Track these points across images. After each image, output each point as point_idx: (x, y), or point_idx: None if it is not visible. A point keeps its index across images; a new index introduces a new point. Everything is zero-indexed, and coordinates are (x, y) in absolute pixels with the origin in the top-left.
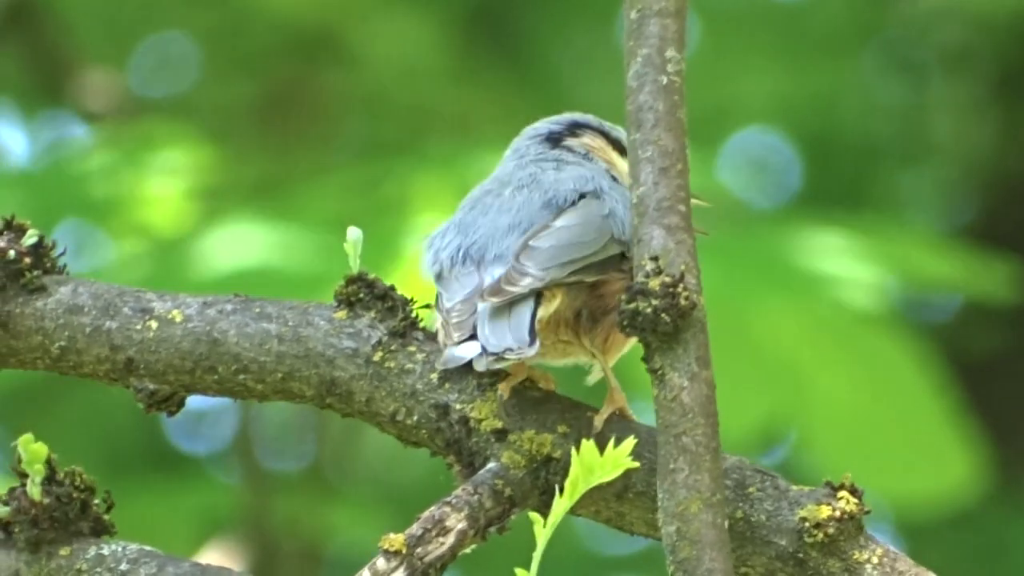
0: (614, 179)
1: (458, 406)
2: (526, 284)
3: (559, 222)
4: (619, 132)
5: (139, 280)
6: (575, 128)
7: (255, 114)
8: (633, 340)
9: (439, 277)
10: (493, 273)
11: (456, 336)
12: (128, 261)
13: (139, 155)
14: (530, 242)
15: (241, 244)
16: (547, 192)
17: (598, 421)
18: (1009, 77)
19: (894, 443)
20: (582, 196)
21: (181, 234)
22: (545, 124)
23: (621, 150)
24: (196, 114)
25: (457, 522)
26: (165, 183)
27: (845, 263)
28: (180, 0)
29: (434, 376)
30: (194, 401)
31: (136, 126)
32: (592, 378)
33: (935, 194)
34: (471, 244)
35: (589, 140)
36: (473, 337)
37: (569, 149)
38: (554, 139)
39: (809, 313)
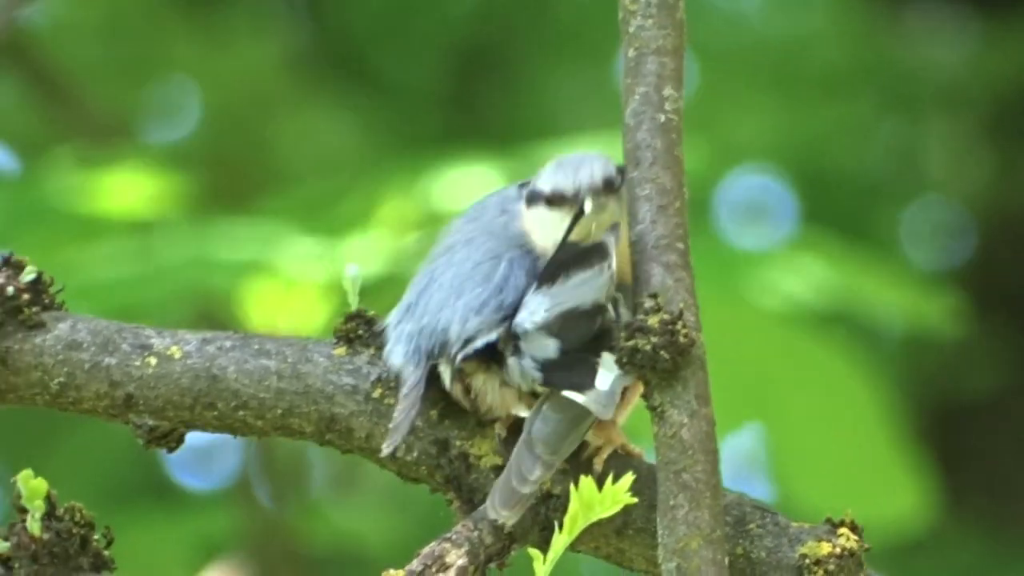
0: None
1: (458, 442)
2: (535, 478)
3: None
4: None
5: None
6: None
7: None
8: (636, 399)
9: (398, 375)
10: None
11: (385, 445)
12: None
13: (98, 173)
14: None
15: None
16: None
17: (598, 463)
18: (1003, 116)
19: (847, 469)
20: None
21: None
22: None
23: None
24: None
25: (457, 558)
26: (123, 202)
27: (809, 288)
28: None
29: (433, 412)
30: (194, 438)
31: (96, 148)
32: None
33: (932, 232)
34: (419, 334)
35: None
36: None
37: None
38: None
39: (770, 334)
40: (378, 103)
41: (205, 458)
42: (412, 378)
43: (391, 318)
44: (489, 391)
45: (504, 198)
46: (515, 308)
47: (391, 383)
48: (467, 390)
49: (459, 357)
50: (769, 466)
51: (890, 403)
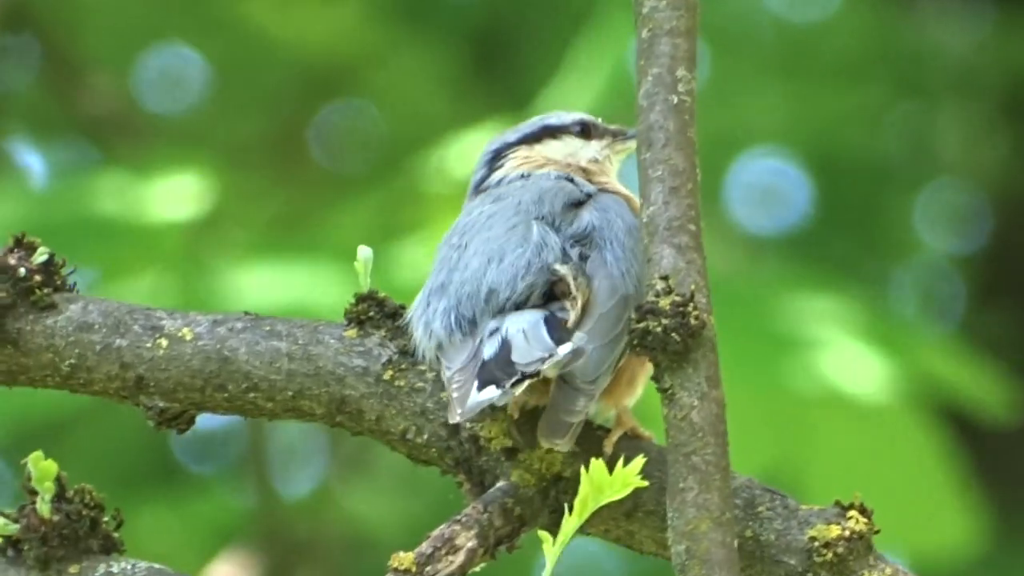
0: (570, 181)
1: (468, 425)
2: (581, 407)
3: (592, 311)
4: (567, 117)
5: None
6: (497, 157)
7: (265, 148)
8: (646, 379)
9: (440, 348)
10: (490, 342)
11: (458, 411)
12: (142, 294)
13: (149, 178)
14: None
15: (262, 281)
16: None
17: (608, 446)
18: (1017, 99)
19: (893, 505)
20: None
21: (199, 266)
22: (476, 167)
23: (577, 133)
24: (204, 139)
25: (467, 540)
26: (175, 208)
27: (848, 347)
28: (189, 20)
29: (444, 395)
30: (205, 420)
31: (147, 149)
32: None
33: (947, 217)
34: (459, 306)
35: (512, 163)
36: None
37: (499, 183)
38: (482, 182)
39: (806, 387)
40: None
41: (214, 443)
42: (465, 350)
43: (413, 310)
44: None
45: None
46: (555, 262)
47: (402, 365)
48: None
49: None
50: (812, 494)
51: (944, 440)
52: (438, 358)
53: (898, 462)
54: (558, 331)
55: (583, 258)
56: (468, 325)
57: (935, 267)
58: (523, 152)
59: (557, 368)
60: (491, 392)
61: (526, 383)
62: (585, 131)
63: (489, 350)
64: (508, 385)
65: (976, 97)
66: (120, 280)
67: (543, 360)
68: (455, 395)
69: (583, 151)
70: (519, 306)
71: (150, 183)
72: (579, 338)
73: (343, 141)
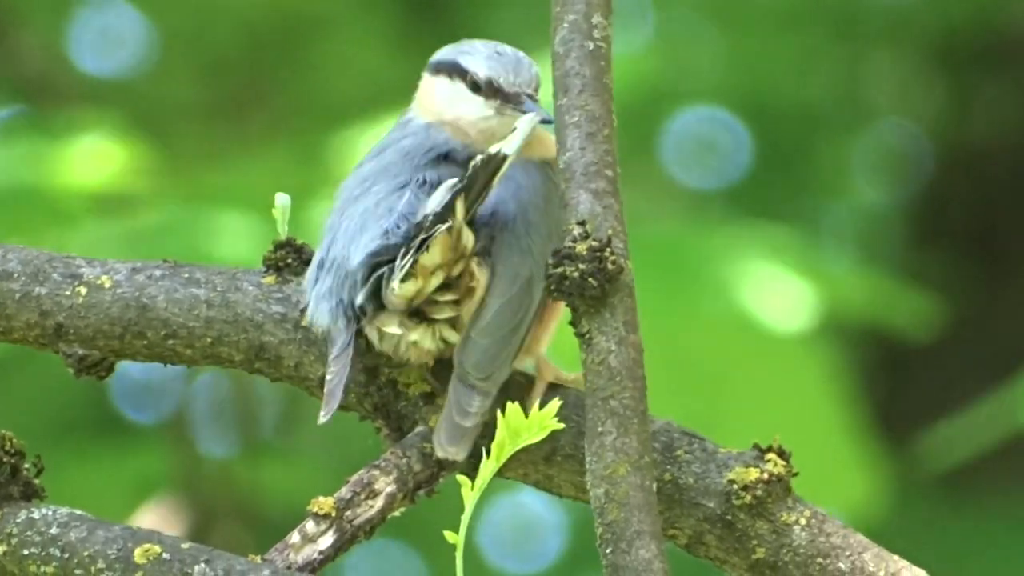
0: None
1: (386, 370)
2: (476, 408)
3: (491, 301)
4: (476, 63)
5: None
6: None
7: (207, 114)
8: (559, 318)
9: (327, 333)
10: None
11: (323, 412)
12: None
13: (63, 139)
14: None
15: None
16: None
17: (530, 404)
18: (954, 43)
19: (799, 458)
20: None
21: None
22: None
23: (471, 85)
24: (143, 103)
25: (386, 485)
26: (88, 169)
27: (766, 274)
28: None
29: (362, 341)
30: (141, 369)
31: (70, 111)
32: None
33: (879, 164)
34: (338, 288)
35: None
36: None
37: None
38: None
39: (723, 319)
40: None
41: (151, 393)
42: (341, 339)
43: (307, 281)
44: (402, 346)
45: (401, 125)
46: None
47: None
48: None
49: (360, 297)
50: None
51: (841, 381)
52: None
53: (805, 409)
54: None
55: (485, 250)
56: (349, 309)
57: (871, 212)
58: (425, 86)
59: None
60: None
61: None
62: (478, 87)
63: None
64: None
65: (911, 41)
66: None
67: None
68: (326, 389)
69: (469, 109)
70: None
71: (62, 145)
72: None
73: (286, 106)
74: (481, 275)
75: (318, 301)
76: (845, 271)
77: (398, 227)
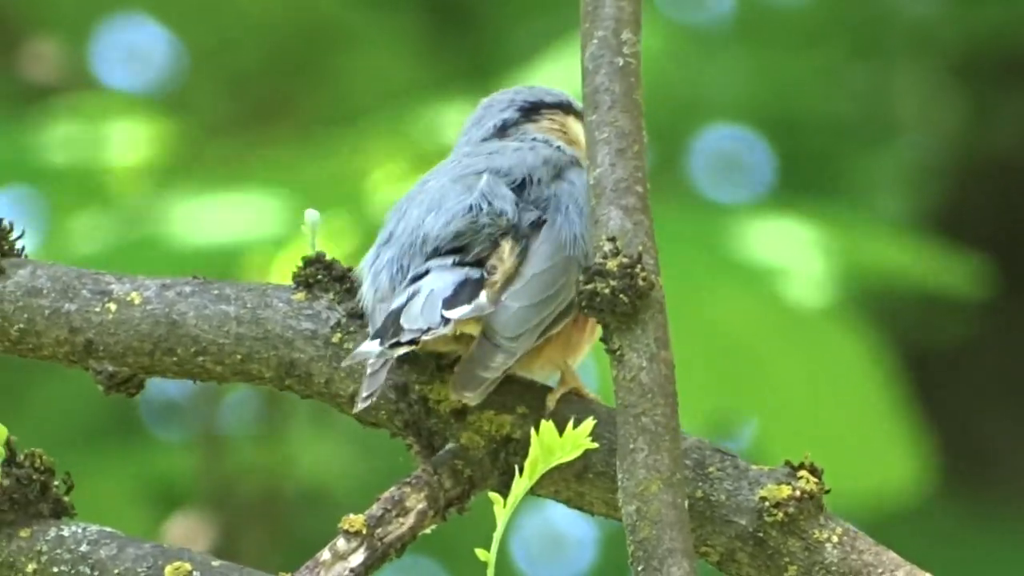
0: (576, 163)
1: (417, 386)
2: (497, 364)
3: (525, 271)
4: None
5: (100, 255)
6: (532, 112)
7: (232, 127)
8: (594, 341)
9: (382, 300)
10: (402, 293)
11: (363, 392)
12: (87, 234)
13: (98, 124)
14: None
15: (200, 217)
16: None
17: (550, 401)
18: (977, 58)
19: (840, 438)
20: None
21: (140, 207)
22: (498, 108)
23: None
24: (167, 117)
25: (417, 503)
26: (124, 154)
27: (797, 253)
28: None
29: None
30: (169, 386)
31: (94, 97)
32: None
33: (902, 177)
34: (400, 256)
35: (548, 123)
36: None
37: (522, 138)
38: (507, 127)
39: (758, 302)
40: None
41: (176, 407)
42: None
43: (364, 260)
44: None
45: (468, 141)
46: (499, 215)
47: (350, 328)
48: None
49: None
50: (757, 438)
51: (890, 370)
52: (372, 312)
53: (841, 395)
54: (470, 295)
55: (538, 223)
56: (406, 277)
57: (894, 225)
58: (559, 119)
59: (441, 339)
60: (371, 347)
61: (404, 349)
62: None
63: (398, 301)
64: (387, 345)
65: (934, 55)
66: (66, 223)
67: (423, 332)
68: (368, 371)
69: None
70: (454, 252)
71: (98, 127)
72: (479, 306)
73: (312, 116)
74: (512, 252)
75: (377, 272)
76: (885, 237)
77: (481, 207)
